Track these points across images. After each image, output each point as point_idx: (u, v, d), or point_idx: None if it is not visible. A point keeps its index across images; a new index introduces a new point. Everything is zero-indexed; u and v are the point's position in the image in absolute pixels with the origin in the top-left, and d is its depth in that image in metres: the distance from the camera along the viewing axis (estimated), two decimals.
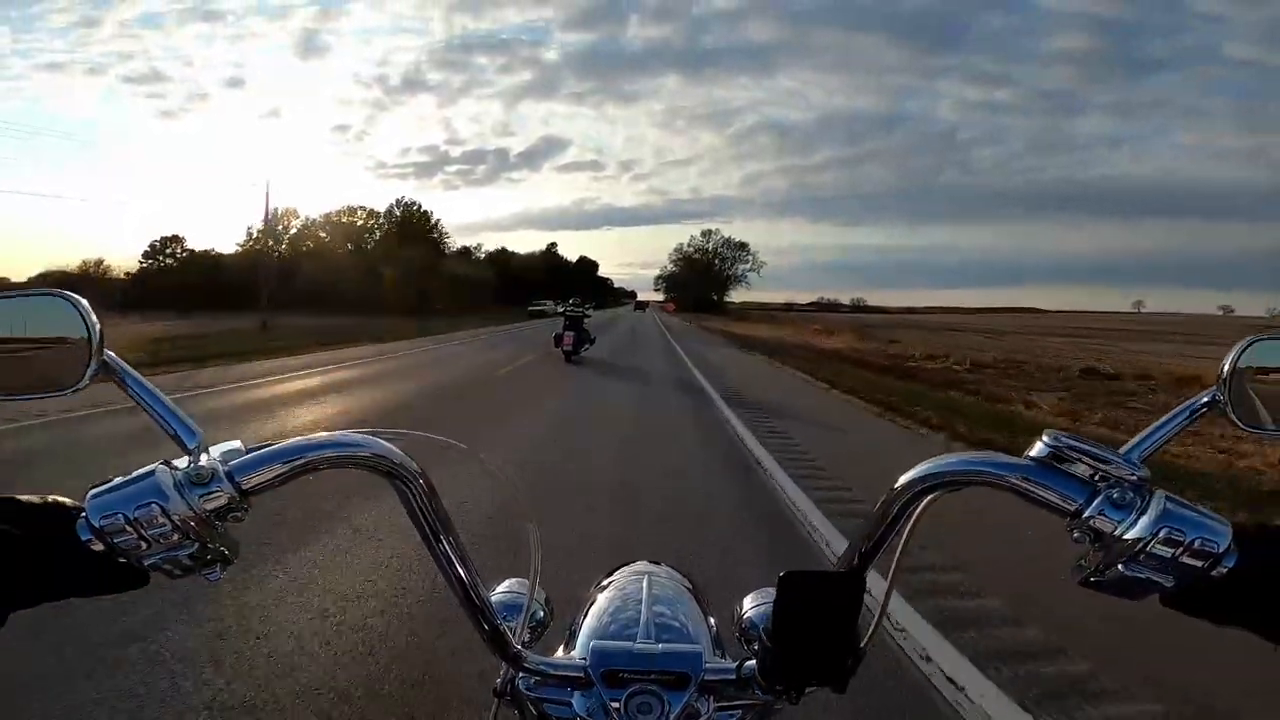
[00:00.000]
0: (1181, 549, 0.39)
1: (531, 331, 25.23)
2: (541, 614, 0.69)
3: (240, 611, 2.38)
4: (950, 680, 2.11)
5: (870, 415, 7.73)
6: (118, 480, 0.41)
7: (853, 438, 6.48)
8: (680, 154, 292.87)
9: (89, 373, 0.44)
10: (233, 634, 2.23)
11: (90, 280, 49.43)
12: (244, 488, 0.42)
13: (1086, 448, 0.42)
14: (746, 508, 3.95)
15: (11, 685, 1.88)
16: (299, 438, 0.44)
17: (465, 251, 75.05)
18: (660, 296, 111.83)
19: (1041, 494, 0.43)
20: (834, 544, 3.32)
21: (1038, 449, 0.43)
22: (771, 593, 0.48)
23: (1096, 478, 0.42)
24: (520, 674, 0.56)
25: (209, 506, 0.41)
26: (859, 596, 0.46)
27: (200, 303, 40.58)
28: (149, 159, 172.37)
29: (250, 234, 57.29)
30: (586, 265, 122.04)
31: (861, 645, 0.47)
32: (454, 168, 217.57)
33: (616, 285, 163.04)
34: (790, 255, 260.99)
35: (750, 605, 0.67)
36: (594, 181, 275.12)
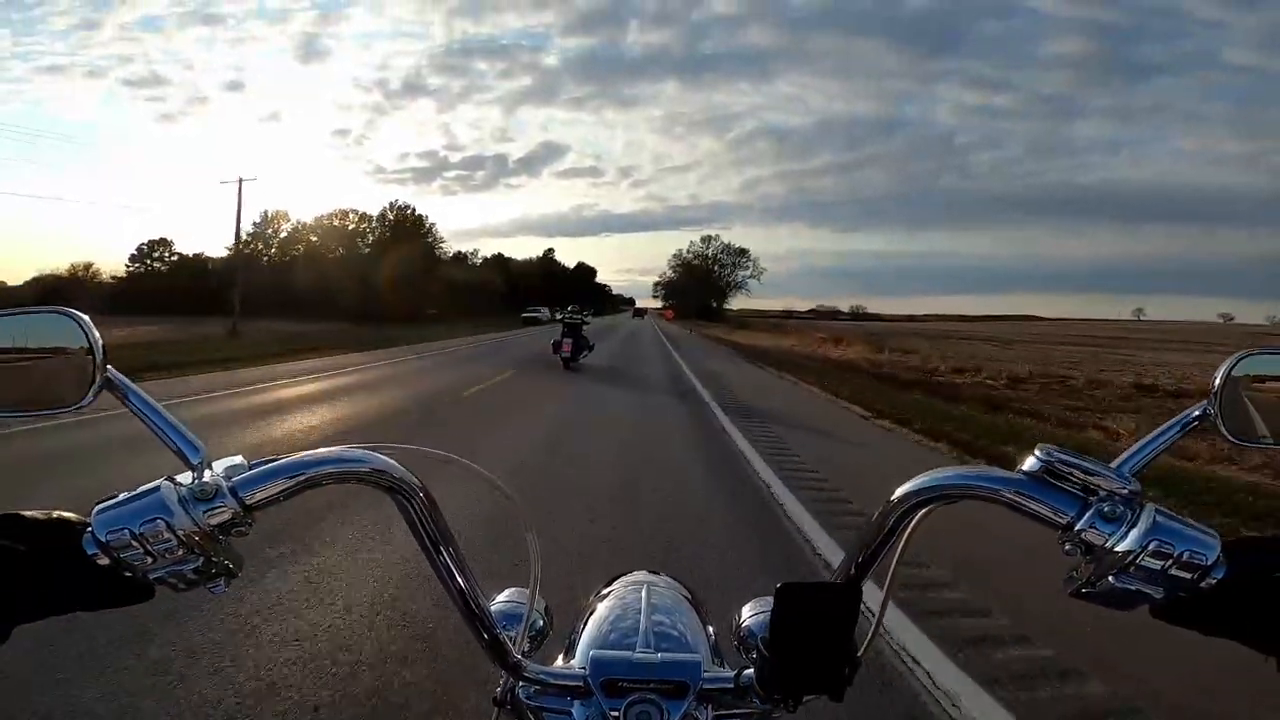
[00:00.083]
0: (1171, 561, 0.40)
1: (524, 339, 23.89)
2: (541, 623, 0.68)
3: None
4: None
5: (941, 457, 5.93)
6: (123, 496, 0.41)
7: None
8: (679, 160, 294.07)
9: (93, 390, 0.44)
10: None
11: (79, 284, 49.13)
12: (247, 503, 0.43)
13: (1078, 462, 0.43)
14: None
15: None
16: (303, 453, 0.45)
17: (460, 257, 73.75)
18: (658, 304, 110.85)
19: (1034, 507, 0.43)
20: None
21: (1030, 463, 0.44)
22: (769, 602, 0.47)
23: (1088, 491, 0.43)
24: (520, 683, 0.56)
25: (213, 521, 0.42)
26: (855, 607, 0.46)
27: (186, 307, 39.67)
28: (147, 162, 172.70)
29: (238, 237, 56.19)
30: (584, 272, 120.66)
31: (858, 654, 0.47)
32: (453, 173, 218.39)
33: (615, 292, 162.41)
34: (789, 261, 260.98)
35: (748, 615, 0.65)
36: (593, 187, 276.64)
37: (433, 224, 61.87)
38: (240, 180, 26.63)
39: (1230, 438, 0.46)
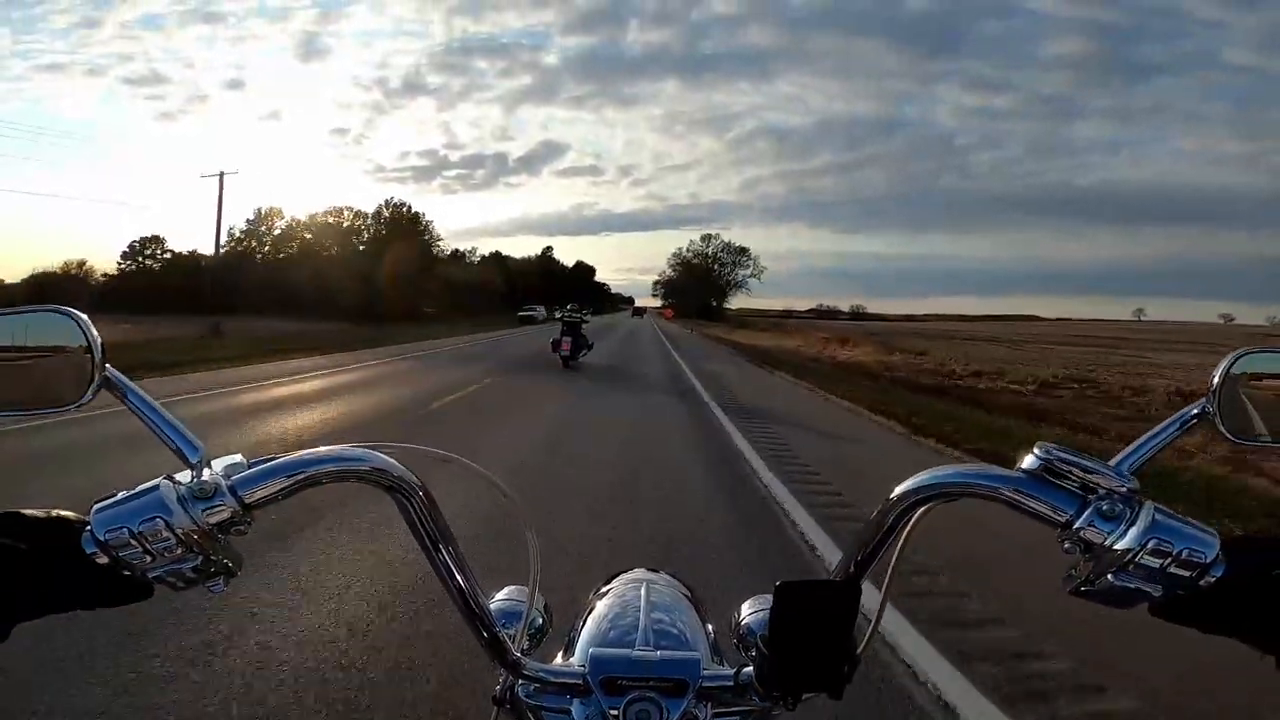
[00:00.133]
0: (1170, 559, 0.40)
1: (519, 339, 23.10)
2: (540, 621, 0.67)
3: None
4: None
5: None
6: (122, 494, 0.41)
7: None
8: (679, 159, 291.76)
9: (91, 388, 0.44)
10: None
11: (73, 281, 48.48)
12: (246, 501, 0.43)
13: (1077, 460, 0.43)
14: None
15: None
16: (301, 451, 0.45)
17: (458, 255, 72.80)
18: (658, 303, 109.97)
19: (1033, 505, 0.43)
20: None
21: (1029, 461, 0.44)
22: (769, 600, 0.47)
23: (1087, 490, 0.42)
24: (519, 681, 0.56)
25: (212, 520, 0.42)
26: (854, 605, 0.46)
27: (178, 305, 38.93)
28: (147, 160, 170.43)
29: (231, 235, 55.58)
30: (583, 270, 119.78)
31: (857, 652, 0.47)
32: (453, 172, 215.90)
33: (614, 291, 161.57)
34: (788, 261, 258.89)
35: (748, 612, 0.65)
36: (593, 186, 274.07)
37: (429, 222, 60.96)
38: (221, 174, 25.84)
39: (1229, 436, 0.46)
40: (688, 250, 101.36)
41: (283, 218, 57.24)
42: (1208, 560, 0.40)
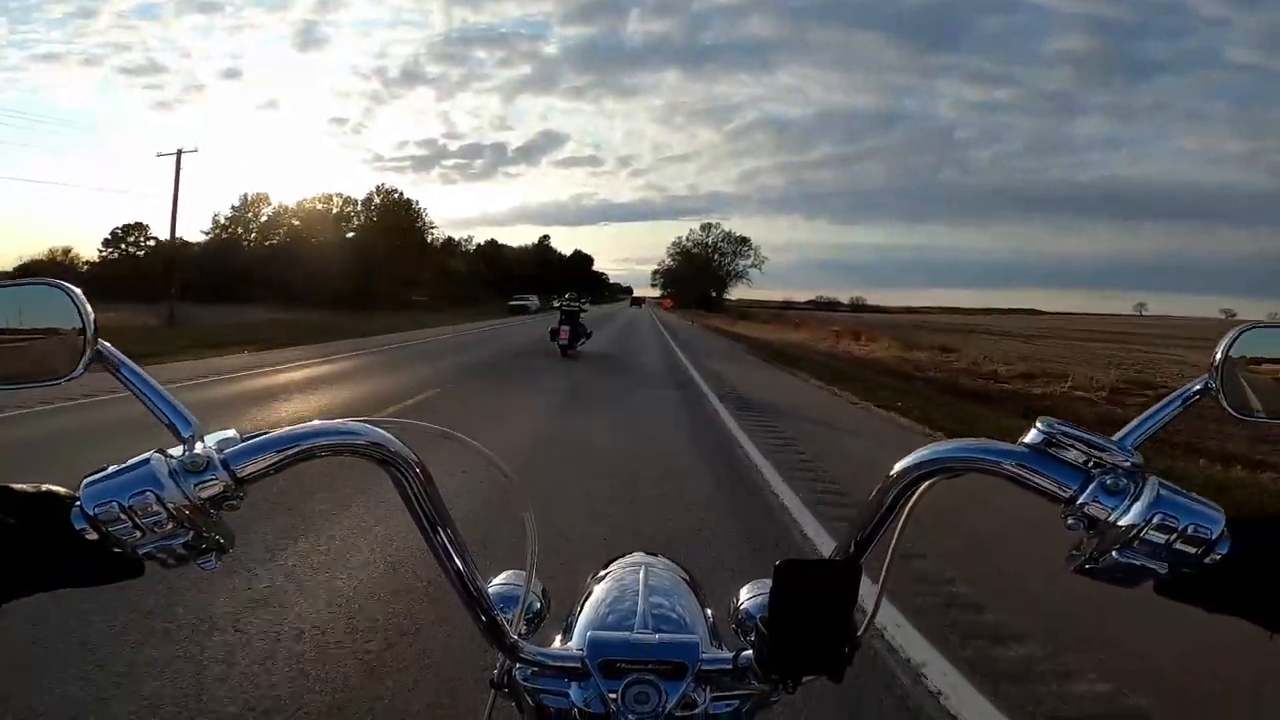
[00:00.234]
0: (1175, 535, 0.39)
1: (507, 332, 21.48)
2: (538, 605, 0.66)
3: None
4: None
5: None
6: (112, 469, 0.40)
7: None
8: (678, 150, 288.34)
9: (83, 362, 0.44)
10: None
11: (58, 268, 47.08)
12: (239, 475, 0.42)
13: (1080, 434, 0.42)
14: None
15: None
16: (295, 425, 0.44)
17: (452, 244, 70.89)
18: (656, 293, 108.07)
19: (1036, 480, 0.42)
20: None
21: (1032, 435, 0.43)
22: (768, 584, 0.46)
23: (1090, 464, 0.42)
24: (517, 665, 0.55)
25: (204, 495, 0.41)
26: (855, 585, 0.45)
27: (159, 293, 37.31)
28: (143, 149, 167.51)
29: (216, 221, 53.77)
30: (581, 259, 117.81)
31: (858, 634, 0.46)
32: (451, 162, 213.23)
33: (612, 280, 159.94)
34: (787, 253, 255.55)
35: (747, 596, 0.64)
36: (592, 177, 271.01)
37: (423, 209, 59.08)
38: (179, 152, 23.92)
39: (1231, 411, 0.46)
40: (687, 239, 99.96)
41: (270, 204, 55.35)
42: (1213, 536, 0.39)
